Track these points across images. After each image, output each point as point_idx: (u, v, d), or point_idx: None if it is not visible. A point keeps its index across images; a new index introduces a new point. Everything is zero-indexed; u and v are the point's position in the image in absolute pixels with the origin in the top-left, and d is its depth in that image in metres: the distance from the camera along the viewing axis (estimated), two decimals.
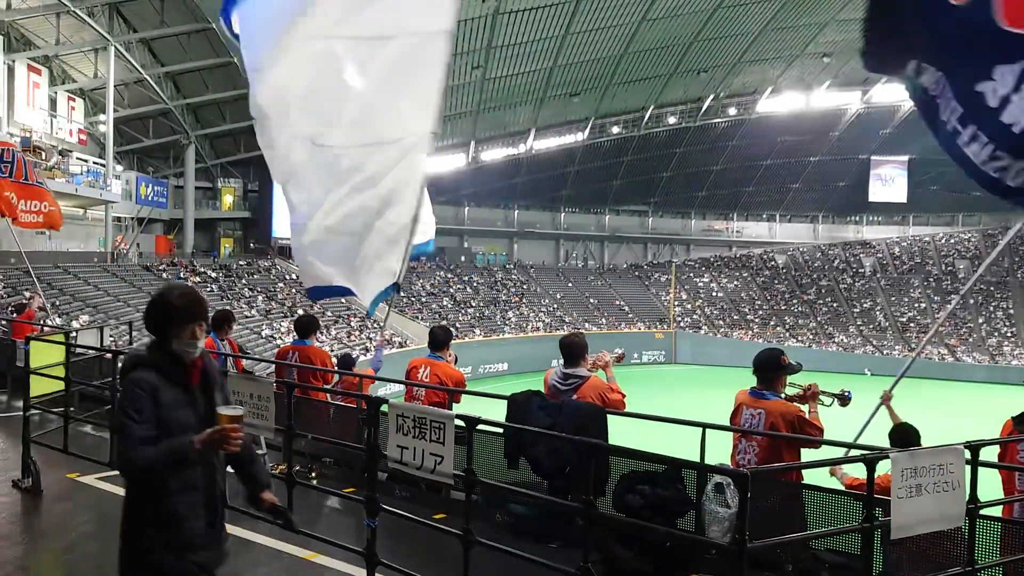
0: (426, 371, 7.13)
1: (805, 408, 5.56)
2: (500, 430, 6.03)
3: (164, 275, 41.61)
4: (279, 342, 39.12)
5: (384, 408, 4.42)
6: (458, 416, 4.00)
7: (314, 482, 6.93)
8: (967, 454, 3.72)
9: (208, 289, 43.31)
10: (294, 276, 50.22)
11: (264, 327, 40.86)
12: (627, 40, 47.81)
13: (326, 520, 6.53)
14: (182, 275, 42.90)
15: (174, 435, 3.07)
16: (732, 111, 62.77)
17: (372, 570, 4.22)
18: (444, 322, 48.17)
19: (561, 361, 6.28)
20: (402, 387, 7.25)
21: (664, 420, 5.50)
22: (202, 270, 44.90)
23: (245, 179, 51.91)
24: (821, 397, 5.68)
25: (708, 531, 5.18)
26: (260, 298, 44.74)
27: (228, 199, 51.32)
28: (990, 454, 4.86)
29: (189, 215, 47.86)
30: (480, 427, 4.29)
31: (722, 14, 46.55)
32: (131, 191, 43.70)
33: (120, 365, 3.18)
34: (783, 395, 5.61)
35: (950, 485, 3.53)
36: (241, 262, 48.82)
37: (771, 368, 5.62)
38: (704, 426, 5.50)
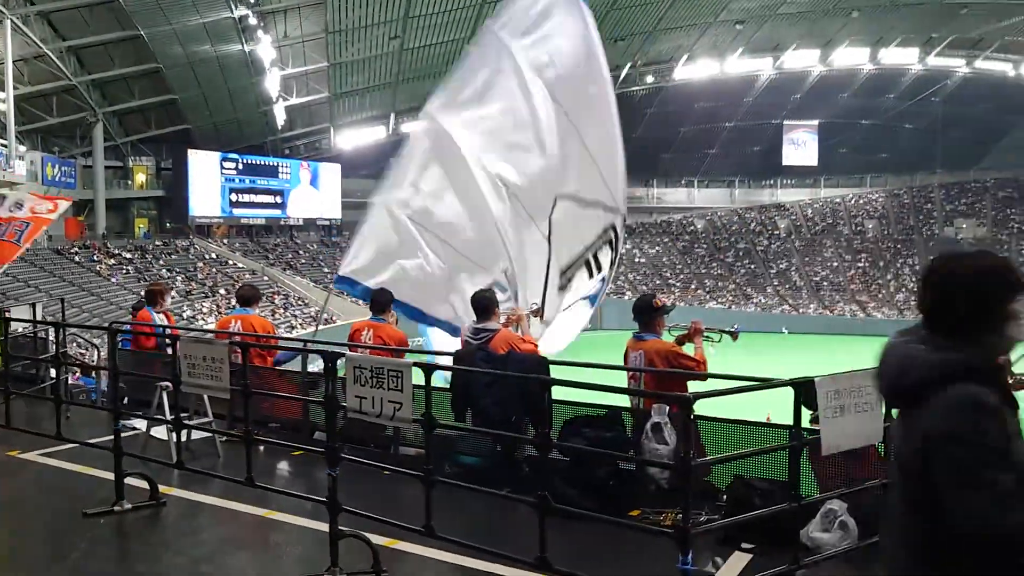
0: (369, 333, 7.28)
1: (691, 347, 6.14)
2: (447, 385, 6.28)
3: (76, 258, 40.26)
4: (201, 323, 38.38)
5: (341, 363, 4.58)
6: (415, 364, 4.19)
7: (260, 448, 7.04)
8: None
9: (124, 271, 42.09)
10: (214, 255, 49.17)
11: (185, 308, 39.97)
12: None
13: (280, 480, 6.65)
14: (95, 257, 41.58)
15: None
16: (650, 79, 63.55)
17: (335, 517, 4.38)
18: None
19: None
20: None
21: (590, 366, 5.81)
22: (116, 252, 43.59)
23: (158, 157, 50.32)
24: (708, 334, 6.22)
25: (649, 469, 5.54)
26: (179, 279, 43.71)
27: (141, 178, 49.71)
28: None
29: (100, 195, 46.22)
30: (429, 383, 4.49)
31: None
32: (36, 172, 41.89)
33: (919, 371, 2.10)
34: (671, 335, 6.14)
35: (868, 405, 3.90)
36: (157, 242, 47.51)
37: (646, 311, 6.21)
38: (628, 370, 5.94)
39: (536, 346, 6.53)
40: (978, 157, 69.16)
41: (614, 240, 7.64)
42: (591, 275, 7.71)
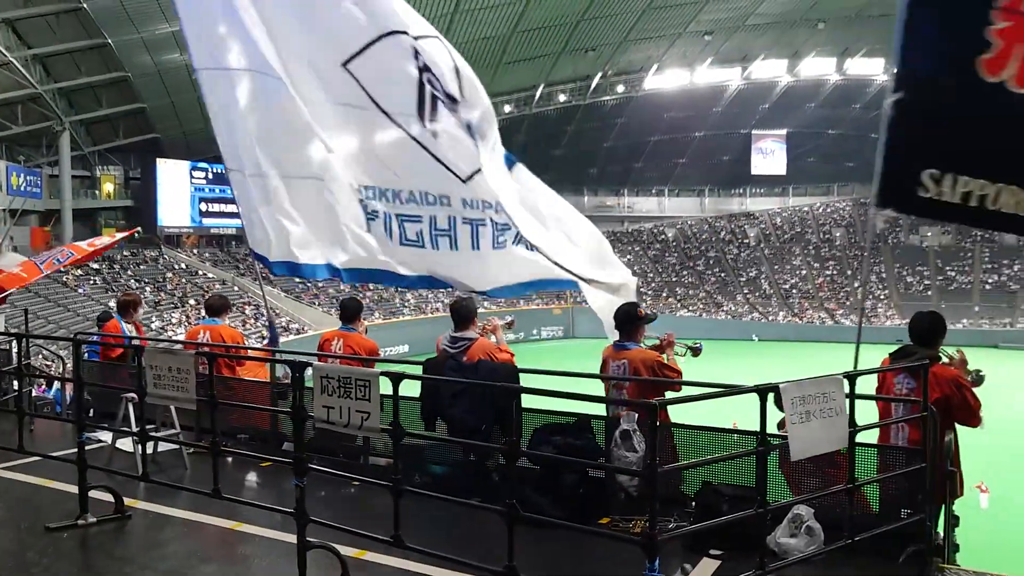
0: (339, 343, 7.26)
1: (664, 357, 6.19)
2: (416, 395, 6.25)
3: None
4: (170, 334, 37.94)
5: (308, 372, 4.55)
6: (383, 373, 4.17)
7: (228, 459, 6.98)
8: (846, 384, 4.16)
9: (91, 282, 41.55)
10: (183, 266, 48.68)
11: (154, 319, 39.52)
12: (516, 19, 48.07)
13: (249, 491, 6.59)
14: (62, 268, 40.93)
15: None
16: (620, 88, 63.98)
17: (303, 529, 4.35)
18: None
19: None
20: None
21: (565, 374, 5.82)
22: (83, 262, 42.99)
23: (126, 166, 49.79)
24: (676, 348, 6.27)
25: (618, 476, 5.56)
26: (148, 289, 43.21)
27: (108, 187, 49.14)
28: (869, 389, 5.40)
29: (66, 205, 45.51)
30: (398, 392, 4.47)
31: None
32: (1, 182, 41.32)
33: None
34: (643, 344, 6.18)
35: (833, 411, 3.94)
36: (125, 252, 46.92)
37: (630, 320, 6.22)
38: (603, 378, 5.95)
39: (512, 355, 6.53)
40: None
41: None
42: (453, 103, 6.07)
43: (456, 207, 6.22)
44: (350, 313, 7.36)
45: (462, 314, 6.45)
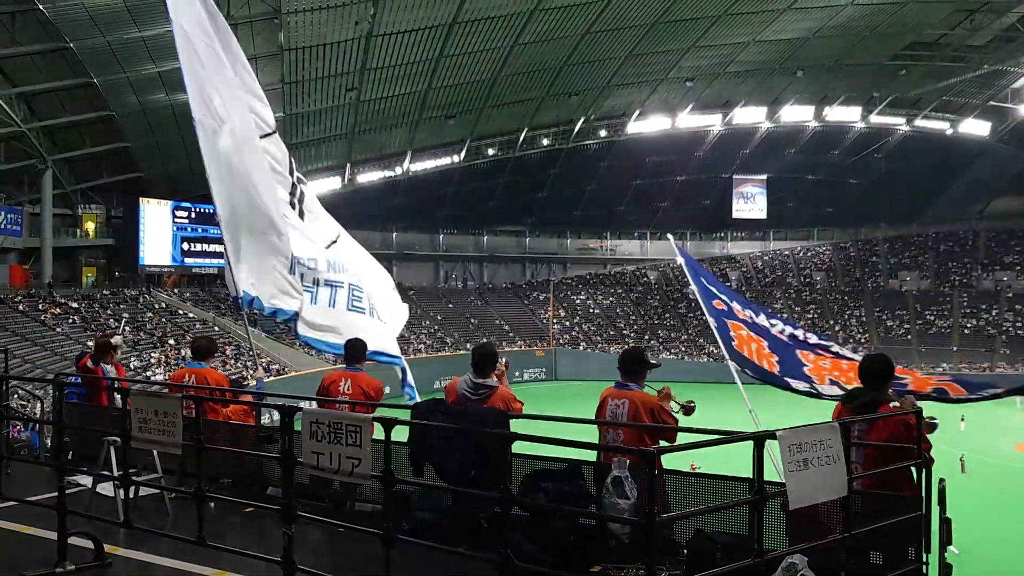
0: (347, 384, 7.17)
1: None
2: (403, 439, 6.17)
3: (20, 307, 39.22)
4: (149, 374, 37.52)
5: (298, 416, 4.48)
6: (375, 418, 4.12)
7: (211, 504, 6.83)
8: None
9: (70, 321, 41.09)
10: (164, 305, 48.29)
11: (132, 359, 39.04)
12: (500, 63, 48.63)
13: (233, 537, 6.44)
14: (40, 307, 40.54)
15: None
16: (603, 133, 64.73)
17: None
18: None
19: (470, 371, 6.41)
20: None
21: (560, 420, 5.75)
22: (62, 301, 42.56)
23: (108, 205, 49.55)
24: (672, 403, 6.21)
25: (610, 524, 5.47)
26: (127, 329, 42.73)
27: (90, 226, 48.84)
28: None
29: (47, 244, 45.21)
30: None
31: (590, 40, 48.05)
32: None
33: None
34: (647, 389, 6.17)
35: (831, 459, 3.91)
36: (105, 292, 46.50)
37: (637, 361, 6.24)
38: (598, 423, 5.88)
39: (522, 404, 6.48)
40: (920, 211, 71.40)
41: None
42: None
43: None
44: (357, 353, 7.33)
45: (487, 360, 6.31)
